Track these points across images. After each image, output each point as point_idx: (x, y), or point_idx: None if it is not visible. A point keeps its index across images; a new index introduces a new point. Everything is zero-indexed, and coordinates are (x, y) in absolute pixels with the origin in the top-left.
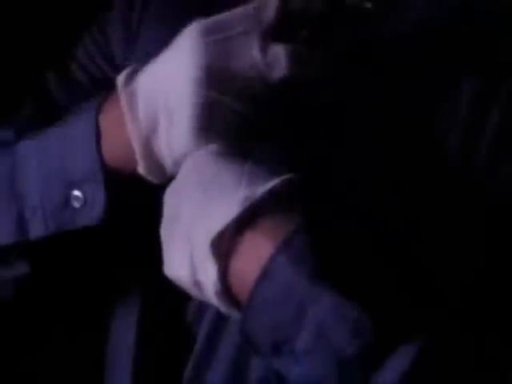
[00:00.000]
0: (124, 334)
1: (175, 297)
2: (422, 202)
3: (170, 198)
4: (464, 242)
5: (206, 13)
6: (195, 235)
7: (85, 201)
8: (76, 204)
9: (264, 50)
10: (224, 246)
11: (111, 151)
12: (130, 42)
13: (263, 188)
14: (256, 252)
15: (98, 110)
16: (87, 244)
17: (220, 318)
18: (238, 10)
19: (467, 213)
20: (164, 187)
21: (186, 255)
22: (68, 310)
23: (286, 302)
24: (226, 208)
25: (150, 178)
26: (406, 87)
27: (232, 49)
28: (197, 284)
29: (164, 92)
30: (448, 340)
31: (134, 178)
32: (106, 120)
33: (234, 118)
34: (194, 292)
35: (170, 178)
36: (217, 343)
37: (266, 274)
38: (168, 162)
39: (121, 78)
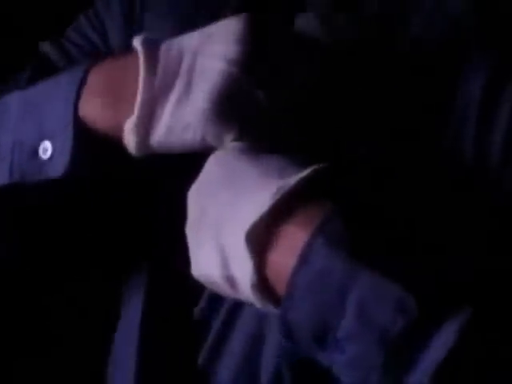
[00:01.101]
0: (127, 334)
1: (182, 293)
2: (432, 199)
3: (194, 199)
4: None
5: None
6: (227, 231)
7: (53, 153)
8: (43, 155)
9: None
10: (258, 238)
11: (92, 106)
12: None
13: (295, 178)
14: (291, 242)
15: (90, 67)
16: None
17: (232, 316)
18: None
19: (474, 212)
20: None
21: (217, 253)
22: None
23: (325, 287)
24: (258, 201)
25: (131, 139)
26: (416, 87)
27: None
28: (230, 280)
29: (191, 60)
30: (493, 313)
31: (108, 142)
32: (95, 75)
33: (252, 110)
34: (225, 290)
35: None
36: (228, 340)
37: (302, 262)
38: (161, 130)
39: (140, 38)
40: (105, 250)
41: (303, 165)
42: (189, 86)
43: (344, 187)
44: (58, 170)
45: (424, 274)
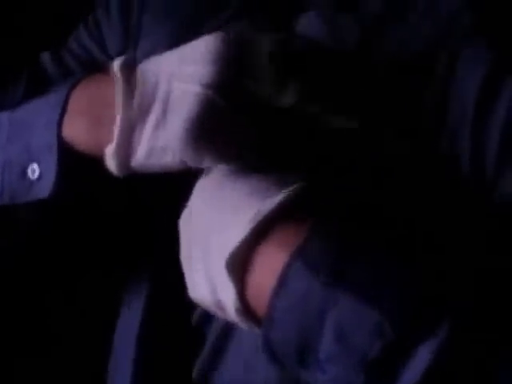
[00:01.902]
0: (127, 338)
1: (182, 299)
2: (431, 199)
3: (185, 222)
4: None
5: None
6: (213, 256)
7: (40, 174)
8: (32, 176)
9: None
10: (240, 262)
11: (74, 127)
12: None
13: (272, 201)
14: (271, 264)
15: (74, 85)
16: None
17: (227, 328)
18: None
19: (474, 211)
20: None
21: (206, 278)
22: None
23: (305, 309)
24: (238, 226)
25: (112, 163)
26: (413, 86)
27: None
28: (219, 305)
29: (167, 83)
30: (472, 329)
31: (93, 161)
32: (78, 94)
33: (229, 131)
34: (218, 313)
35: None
36: (224, 352)
37: (282, 284)
38: (141, 153)
39: (119, 59)
40: (105, 252)
41: (289, 183)
42: (165, 110)
43: (344, 187)
44: (45, 191)
45: (403, 294)
